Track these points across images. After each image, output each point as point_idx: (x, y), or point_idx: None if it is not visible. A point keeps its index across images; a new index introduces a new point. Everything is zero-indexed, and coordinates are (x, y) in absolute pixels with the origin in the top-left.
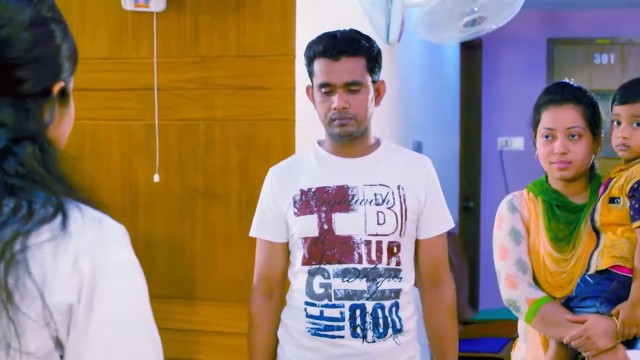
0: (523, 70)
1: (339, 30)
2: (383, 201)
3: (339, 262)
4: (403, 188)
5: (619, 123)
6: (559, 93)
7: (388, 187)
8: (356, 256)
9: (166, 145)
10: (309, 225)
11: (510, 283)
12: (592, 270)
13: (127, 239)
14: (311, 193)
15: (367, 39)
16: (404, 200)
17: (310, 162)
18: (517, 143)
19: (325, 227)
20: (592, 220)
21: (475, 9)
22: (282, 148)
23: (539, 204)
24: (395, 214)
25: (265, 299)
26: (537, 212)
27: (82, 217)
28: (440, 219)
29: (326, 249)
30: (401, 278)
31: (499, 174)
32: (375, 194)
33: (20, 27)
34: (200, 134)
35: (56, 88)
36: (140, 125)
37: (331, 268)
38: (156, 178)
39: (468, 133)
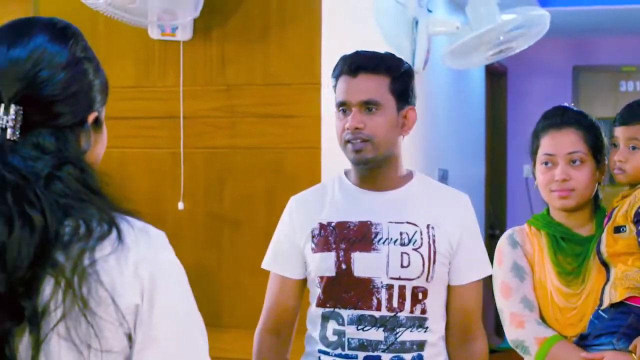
0: (548, 97)
1: (362, 51)
2: (409, 241)
3: (355, 307)
4: (433, 228)
5: (616, 146)
6: (558, 117)
7: (416, 225)
8: (374, 302)
9: (192, 173)
10: (326, 264)
11: (516, 322)
12: (605, 305)
13: (168, 242)
14: (331, 228)
15: (395, 58)
16: (433, 241)
17: (333, 193)
18: None
19: (343, 266)
20: (599, 252)
21: (502, 37)
22: (308, 176)
23: (543, 238)
24: (422, 256)
25: (271, 338)
26: (542, 245)
27: (132, 229)
28: (475, 265)
29: (342, 291)
30: (427, 328)
31: (525, 202)
32: (401, 233)
33: (58, 68)
34: (226, 162)
35: (90, 118)
36: (166, 153)
37: (346, 313)
38: (180, 206)
39: (493, 160)
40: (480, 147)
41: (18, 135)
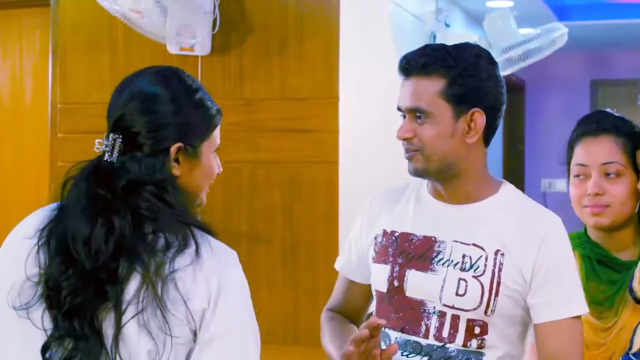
0: (566, 111)
1: (430, 44)
2: (470, 267)
3: (402, 331)
4: (503, 254)
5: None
6: (594, 122)
7: (483, 249)
8: (423, 328)
9: (210, 187)
10: (380, 277)
11: (532, 355)
12: (635, 349)
13: (237, 260)
14: (393, 238)
15: (459, 54)
16: (499, 270)
17: (409, 200)
18: (561, 185)
19: (396, 283)
20: (631, 290)
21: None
22: (326, 190)
23: (576, 260)
24: (482, 285)
25: (335, 313)
26: None
27: (209, 246)
28: (560, 300)
29: (392, 310)
30: None
31: None
32: (463, 256)
33: (136, 113)
34: (245, 176)
35: (173, 149)
36: None
37: (394, 335)
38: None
39: (511, 175)
40: (498, 161)
41: (114, 159)
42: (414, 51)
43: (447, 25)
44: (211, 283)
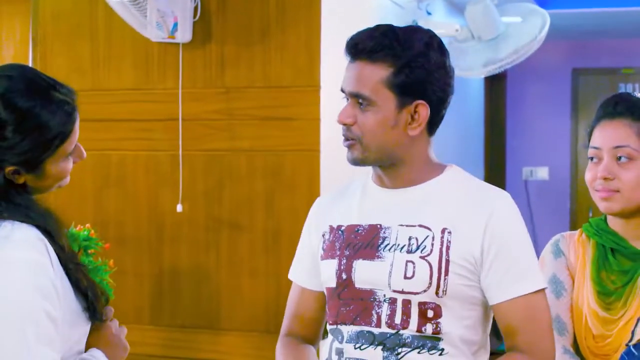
0: (548, 100)
1: (381, 25)
2: (417, 248)
3: (353, 323)
4: (450, 232)
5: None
6: (611, 105)
7: (429, 229)
8: (374, 317)
9: (191, 176)
10: (329, 273)
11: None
12: (635, 340)
13: (30, 244)
14: (339, 232)
15: (407, 40)
16: (447, 248)
17: (354, 193)
18: (542, 173)
19: (344, 276)
20: None
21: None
22: (308, 179)
23: (590, 248)
24: (431, 265)
25: (290, 339)
26: (586, 257)
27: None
28: (514, 278)
29: (342, 304)
30: (442, 351)
31: (524, 205)
32: (410, 238)
33: None
34: (225, 165)
35: (7, 171)
36: (165, 155)
37: (346, 330)
38: (179, 208)
39: (492, 163)
40: (479, 149)
41: None
42: (362, 32)
43: (429, 14)
44: None
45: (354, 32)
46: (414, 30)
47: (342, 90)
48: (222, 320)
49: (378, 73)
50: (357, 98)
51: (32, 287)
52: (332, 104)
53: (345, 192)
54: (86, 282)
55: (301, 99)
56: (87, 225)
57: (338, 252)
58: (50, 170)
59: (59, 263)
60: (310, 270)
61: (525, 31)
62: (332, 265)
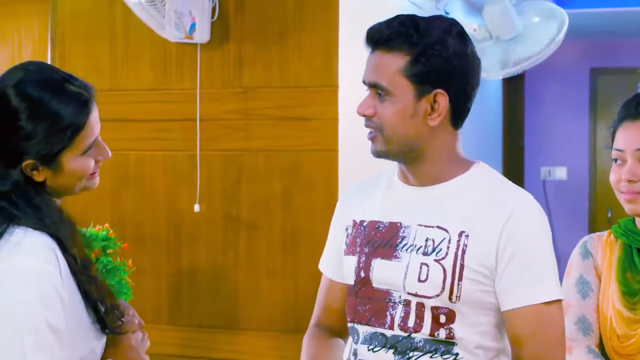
0: (566, 100)
1: (401, 15)
2: (433, 250)
3: (368, 323)
4: (467, 236)
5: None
6: (632, 107)
7: (446, 231)
8: (388, 318)
9: (209, 176)
10: (349, 270)
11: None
12: None
13: (37, 251)
14: (362, 227)
15: (426, 28)
16: (463, 252)
17: (379, 186)
18: (560, 173)
19: (362, 274)
20: None
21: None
22: (325, 179)
23: (617, 248)
24: (445, 269)
25: (318, 330)
26: (612, 258)
27: (16, 237)
28: (527, 285)
29: (358, 303)
30: (456, 356)
31: (542, 205)
32: (426, 239)
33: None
34: (243, 165)
35: (24, 165)
36: (183, 155)
37: (361, 330)
38: (196, 208)
39: (511, 163)
40: (498, 149)
41: None
42: (381, 22)
43: (447, 13)
44: None
45: None
46: (434, 19)
47: (363, 82)
48: (240, 320)
49: (395, 62)
50: (375, 88)
51: (34, 295)
52: (350, 103)
53: (372, 185)
54: (98, 294)
55: (319, 99)
56: (106, 225)
57: (358, 249)
58: (67, 165)
59: (69, 273)
60: (337, 262)
61: (543, 32)
62: (352, 261)
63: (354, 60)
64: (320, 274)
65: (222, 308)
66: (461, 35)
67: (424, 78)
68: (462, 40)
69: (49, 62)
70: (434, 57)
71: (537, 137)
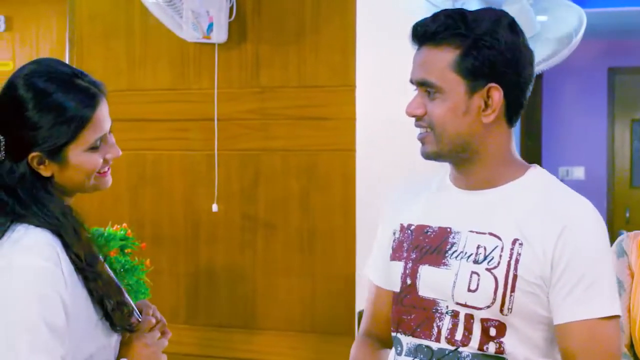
0: (584, 99)
1: (446, 9)
2: (484, 259)
3: (413, 334)
4: (521, 244)
5: None
6: None
7: (499, 238)
8: (434, 330)
9: (227, 175)
10: (395, 276)
11: None
12: None
13: (38, 250)
14: (409, 231)
15: (476, 20)
16: (517, 261)
17: (430, 189)
18: (578, 173)
19: (408, 281)
20: None
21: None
22: (343, 178)
23: None
24: (496, 279)
25: (366, 338)
26: None
27: (18, 234)
28: (581, 298)
29: (404, 312)
30: None
31: None
32: (478, 247)
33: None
34: (261, 164)
35: (30, 158)
36: (201, 155)
37: (405, 341)
38: (214, 208)
39: (528, 163)
40: (516, 149)
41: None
42: (426, 17)
43: None
44: None
45: (389, 30)
46: (482, 10)
47: (411, 81)
48: (258, 320)
49: (444, 57)
50: (424, 86)
51: (32, 293)
52: (367, 103)
53: (421, 187)
54: (103, 290)
55: (336, 99)
56: (124, 224)
57: (405, 254)
58: (73, 159)
59: (73, 270)
60: (381, 267)
61: (561, 31)
62: (398, 267)
63: (371, 59)
64: (336, 273)
65: (240, 307)
66: (512, 26)
67: (476, 72)
68: (513, 30)
69: (66, 62)
70: (486, 49)
71: (554, 136)
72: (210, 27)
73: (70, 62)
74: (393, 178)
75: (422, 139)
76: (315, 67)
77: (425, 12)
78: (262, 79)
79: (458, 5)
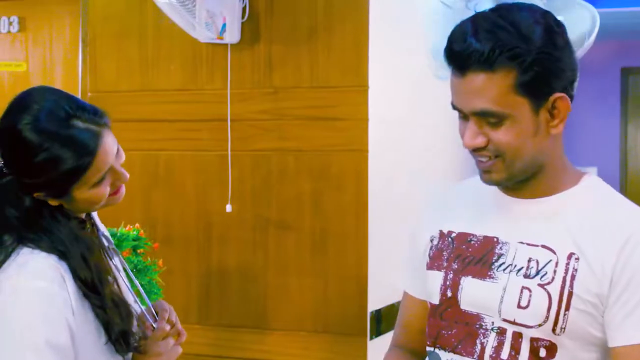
0: (597, 100)
1: (478, 17)
2: (537, 273)
3: (454, 351)
4: (578, 259)
5: None
6: None
7: (553, 252)
8: (477, 347)
9: (239, 176)
10: (433, 287)
11: None
12: None
13: (40, 273)
14: (449, 239)
15: (524, 32)
16: (572, 278)
17: (473, 193)
18: (592, 173)
19: (449, 294)
20: None
21: None
22: (355, 179)
23: None
24: (550, 296)
25: (398, 350)
26: None
27: (22, 257)
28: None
29: (443, 326)
30: None
31: None
32: (529, 260)
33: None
34: (273, 165)
35: (36, 195)
36: (213, 155)
37: (444, 357)
38: (228, 208)
39: None
40: None
41: None
42: (460, 37)
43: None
44: None
45: (402, 31)
46: (524, 14)
47: (455, 108)
48: (270, 320)
49: (502, 80)
50: (485, 117)
51: (36, 315)
52: (380, 103)
53: (464, 191)
54: (108, 318)
55: (349, 99)
56: (137, 225)
57: (445, 264)
58: (79, 196)
59: (78, 293)
60: (415, 276)
61: (575, 31)
62: (437, 278)
63: (384, 60)
64: (348, 273)
65: (252, 308)
66: (557, 22)
67: (539, 87)
68: (560, 26)
69: (80, 63)
70: (545, 61)
71: (567, 137)
72: (223, 27)
73: (82, 62)
74: (406, 179)
75: (488, 168)
76: (328, 68)
77: (440, 13)
78: (274, 79)
79: (471, 6)
